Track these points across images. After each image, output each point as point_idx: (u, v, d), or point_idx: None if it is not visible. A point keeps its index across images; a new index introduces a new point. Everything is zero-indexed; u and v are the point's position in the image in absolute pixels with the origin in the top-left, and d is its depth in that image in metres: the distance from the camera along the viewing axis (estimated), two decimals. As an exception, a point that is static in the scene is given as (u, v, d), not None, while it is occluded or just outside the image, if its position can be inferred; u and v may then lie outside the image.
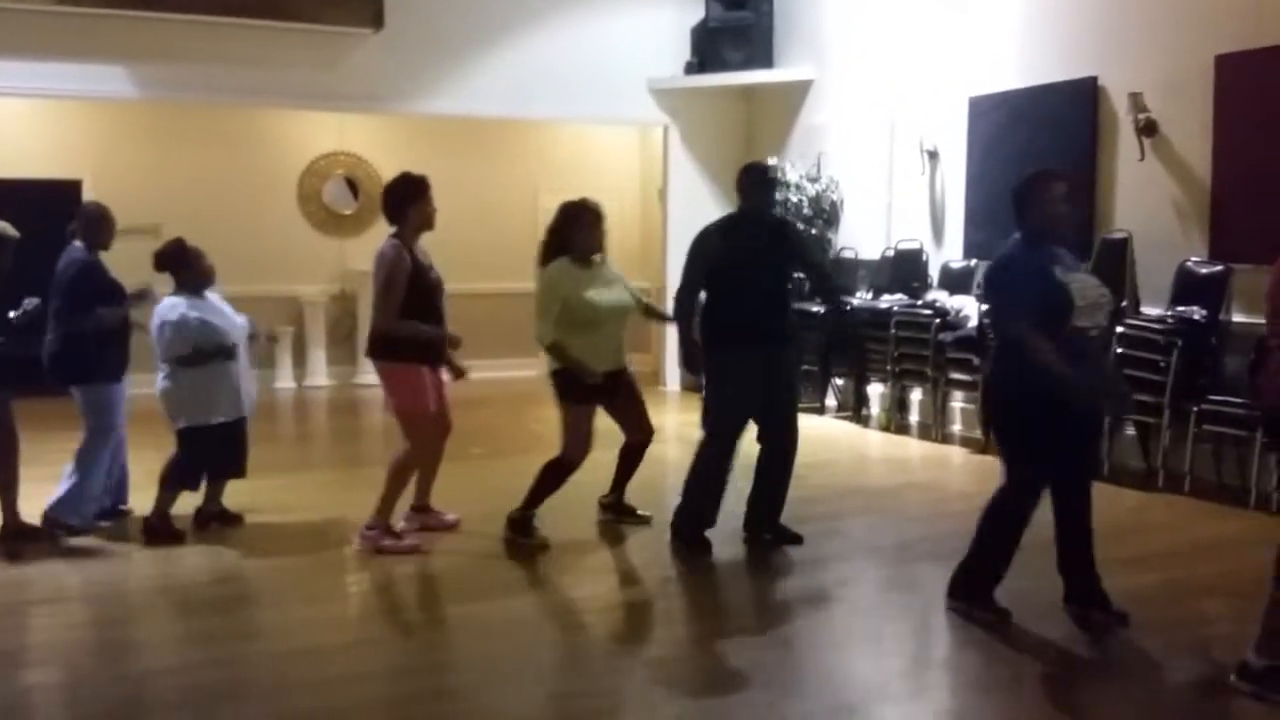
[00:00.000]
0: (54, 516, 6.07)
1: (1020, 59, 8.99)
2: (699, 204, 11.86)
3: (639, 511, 6.43)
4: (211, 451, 6.16)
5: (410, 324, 5.75)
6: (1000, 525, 4.80)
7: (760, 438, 5.94)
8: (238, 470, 6.30)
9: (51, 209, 11.20)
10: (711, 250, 5.84)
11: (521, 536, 6.01)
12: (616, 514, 6.43)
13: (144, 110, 11.63)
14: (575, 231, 5.89)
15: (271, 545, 6.09)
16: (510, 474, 6.59)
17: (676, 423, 10.66)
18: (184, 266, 6.18)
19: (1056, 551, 4.87)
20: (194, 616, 5.16)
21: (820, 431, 9.69)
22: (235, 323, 6.29)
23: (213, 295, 6.30)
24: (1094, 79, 8.33)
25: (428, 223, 5.90)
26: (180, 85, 10.42)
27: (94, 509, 6.23)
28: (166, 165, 11.98)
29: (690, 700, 4.18)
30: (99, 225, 6.22)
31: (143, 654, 4.74)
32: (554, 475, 5.98)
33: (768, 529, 6.05)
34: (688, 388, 12.08)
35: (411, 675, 4.42)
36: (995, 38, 9.25)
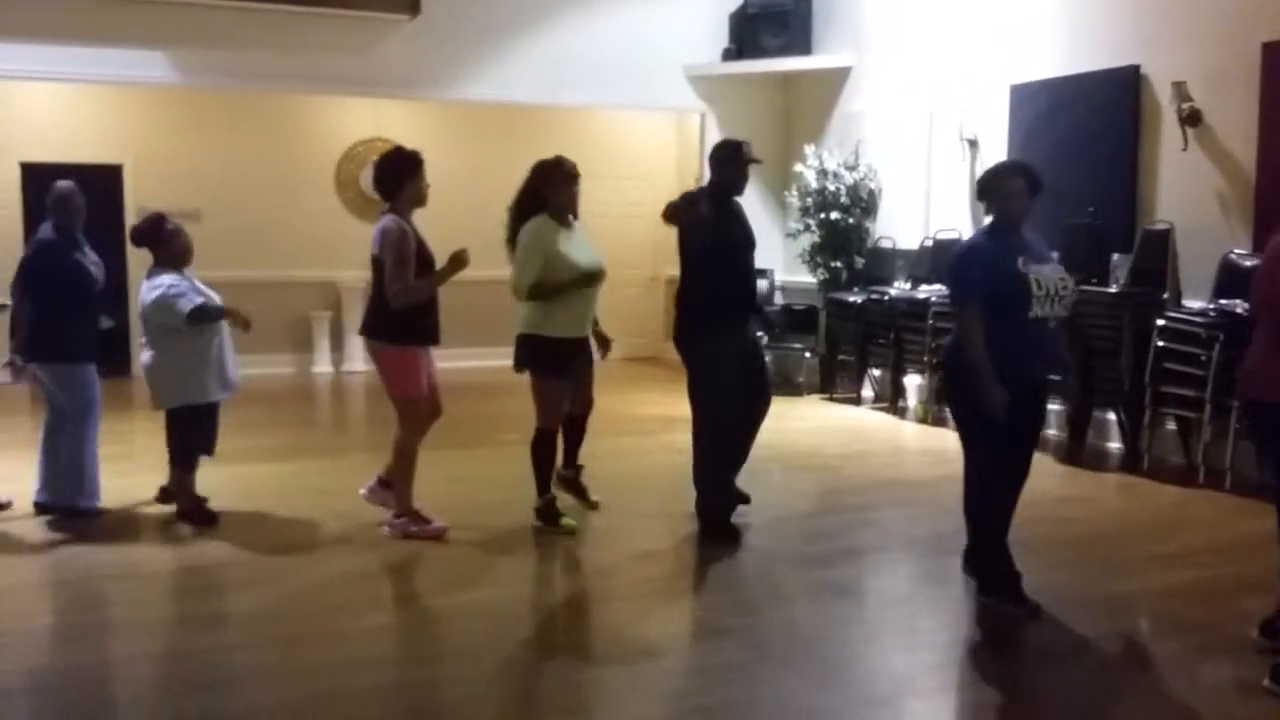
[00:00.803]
0: (42, 503, 6.22)
1: (1062, 46, 8.87)
2: (735, 191, 11.83)
3: (591, 496, 6.45)
4: (197, 430, 6.25)
5: (423, 281, 5.72)
6: (989, 510, 4.94)
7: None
8: (208, 449, 6.38)
9: (93, 193, 11.39)
10: (702, 227, 5.76)
11: (550, 524, 6.03)
12: (570, 489, 6.45)
13: (184, 96, 11.72)
14: (549, 190, 5.91)
15: (302, 530, 6.13)
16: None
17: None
18: (160, 242, 6.19)
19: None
20: (220, 599, 5.20)
21: (856, 423, 9.65)
22: (215, 303, 6.33)
23: (191, 276, 6.32)
24: (1136, 67, 8.20)
25: (420, 199, 5.88)
26: (219, 71, 10.48)
27: (88, 490, 6.26)
28: (206, 151, 12.09)
29: (717, 691, 4.16)
30: (61, 206, 6.18)
31: (183, 635, 4.78)
32: (540, 450, 6.04)
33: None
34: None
35: (427, 663, 4.44)
36: (1037, 25, 9.13)
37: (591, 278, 5.92)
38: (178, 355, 6.10)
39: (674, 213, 5.81)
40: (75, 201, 6.20)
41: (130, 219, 11.95)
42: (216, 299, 6.33)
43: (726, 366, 5.81)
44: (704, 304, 5.82)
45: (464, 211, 11.95)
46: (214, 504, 6.37)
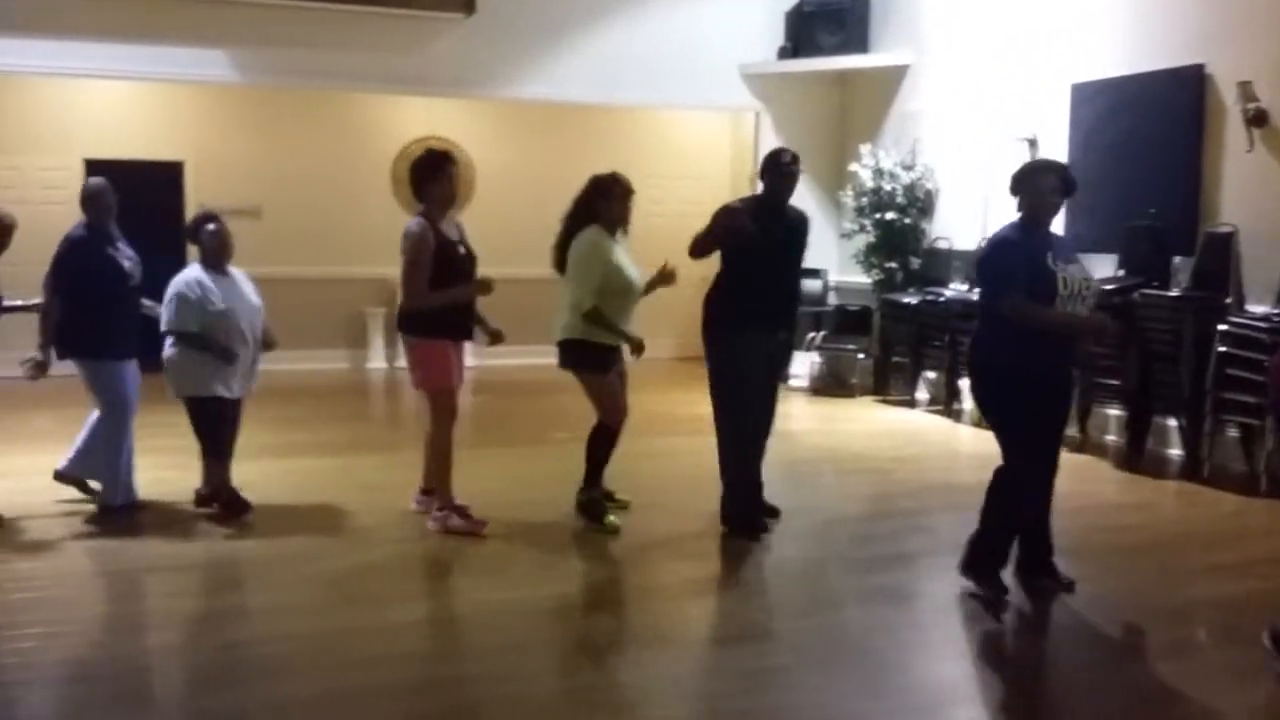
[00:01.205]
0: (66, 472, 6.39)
1: (1125, 45, 8.71)
2: (790, 191, 11.76)
3: (617, 495, 6.42)
4: (218, 426, 6.24)
5: (439, 293, 5.81)
6: (1007, 502, 4.95)
7: None
8: (228, 450, 6.35)
9: (154, 189, 11.57)
10: (743, 227, 5.81)
11: (593, 522, 6.04)
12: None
13: (243, 94, 11.87)
14: (604, 203, 5.98)
15: (350, 524, 6.16)
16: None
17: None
18: (196, 239, 6.23)
19: None
20: (261, 592, 5.22)
21: (910, 425, 9.54)
22: (253, 304, 6.31)
23: (238, 273, 6.34)
24: (1201, 67, 8.03)
25: (447, 199, 5.93)
26: (278, 70, 10.60)
27: (123, 487, 6.30)
28: (264, 148, 12.23)
29: (758, 695, 4.12)
30: (92, 202, 6.22)
31: (224, 627, 4.81)
32: (599, 443, 6.08)
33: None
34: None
35: (464, 660, 4.44)
36: (1099, 22, 8.97)
37: (639, 293, 6.09)
38: (188, 348, 6.12)
39: (710, 224, 5.86)
40: (106, 198, 6.23)
41: (190, 215, 12.15)
42: (256, 302, 6.33)
43: (749, 366, 5.85)
44: (729, 302, 5.89)
45: (517, 210, 12.03)
46: (263, 497, 6.42)
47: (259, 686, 4.13)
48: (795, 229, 5.99)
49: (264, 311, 6.40)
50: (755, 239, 5.70)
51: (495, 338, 6.16)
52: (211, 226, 6.20)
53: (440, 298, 5.79)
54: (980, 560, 5.03)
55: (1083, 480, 7.45)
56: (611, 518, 6.07)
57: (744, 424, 5.92)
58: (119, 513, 6.20)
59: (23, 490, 6.53)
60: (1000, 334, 4.84)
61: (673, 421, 9.21)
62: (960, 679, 4.35)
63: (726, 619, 5.06)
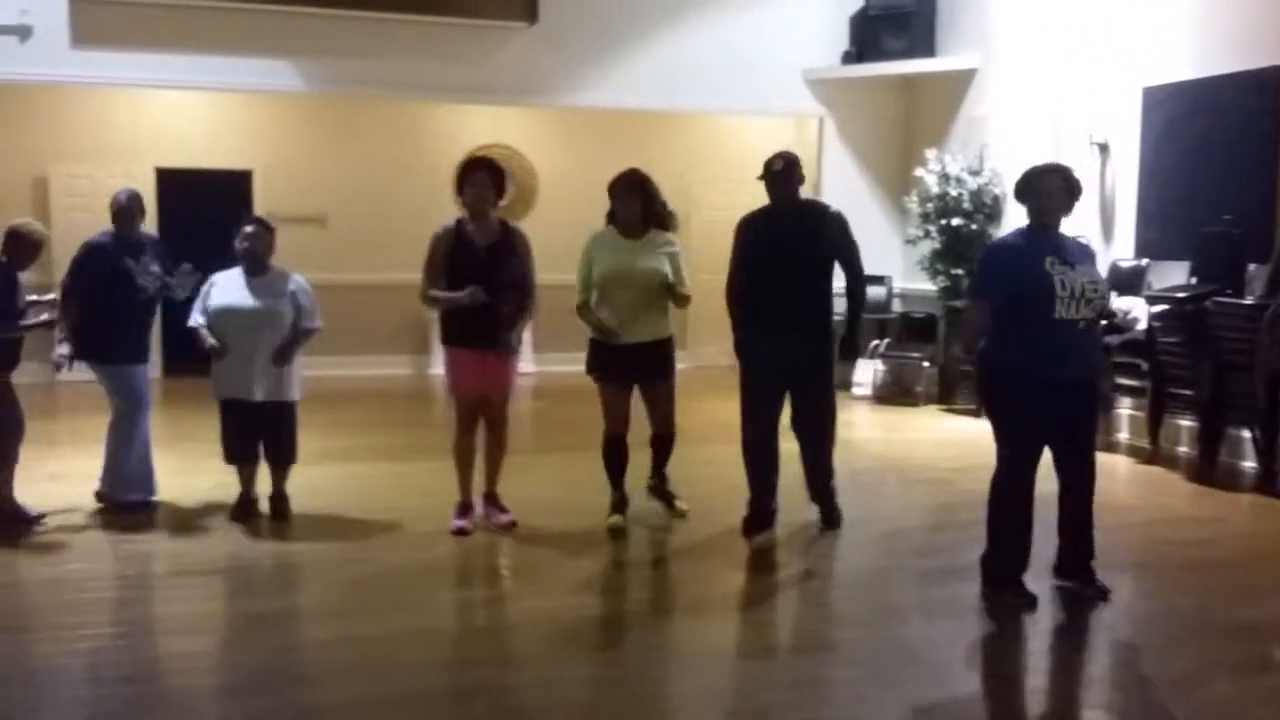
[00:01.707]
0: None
1: (1198, 47, 8.50)
2: (854, 197, 11.64)
3: (677, 503, 6.42)
4: (226, 428, 6.27)
5: (430, 296, 5.96)
6: (996, 507, 4.96)
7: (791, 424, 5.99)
8: (230, 455, 6.34)
9: (223, 198, 11.74)
10: (740, 240, 5.92)
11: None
12: (657, 496, 6.49)
13: (310, 104, 12.00)
14: (613, 201, 6.03)
15: (402, 528, 6.17)
16: (646, 467, 6.51)
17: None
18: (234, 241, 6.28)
19: (1057, 523, 5.05)
20: (309, 594, 5.25)
21: (975, 435, 9.34)
22: (259, 308, 6.14)
23: (277, 277, 6.23)
24: (1277, 68, 7.80)
25: (470, 205, 6.01)
26: (343, 80, 10.71)
27: (136, 484, 6.46)
28: (330, 157, 12.37)
29: (814, 708, 4.06)
30: (119, 213, 6.39)
31: (272, 630, 4.84)
32: (604, 452, 6.14)
33: (815, 500, 6.17)
34: (837, 385, 11.88)
35: (510, 666, 4.42)
36: (1171, 24, 8.77)
37: (618, 280, 5.95)
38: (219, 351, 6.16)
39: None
40: (131, 208, 6.41)
41: (258, 223, 12.33)
42: (275, 305, 6.17)
43: (756, 370, 5.86)
44: (739, 307, 5.91)
45: (580, 216, 11.98)
46: (321, 501, 6.50)
47: (306, 690, 4.16)
48: (806, 229, 5.82)
49: (309, 318, 6.26)
50: (753, 248, 5.78)
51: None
52: (248, 229, 6.22)
53: (431, 301, 5.99)
54: (990, 571, 5.02)
55: (1154, 493, 7.28)
56: (615, 518, 6.10)
57: (751, 427, 5.86)
58: (126, 509, 6.33)
59: (79, 494, 6.59)
60: (994, 335, 4.90)
61: (733, 429, 9.11)
62: (1021, 695, 4.25)
63: (784, 629, 5.00)
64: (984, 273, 5.02)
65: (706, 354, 13.02)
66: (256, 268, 6.21)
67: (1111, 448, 8.60)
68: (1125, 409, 8.83)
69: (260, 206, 12.18)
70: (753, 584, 5.53)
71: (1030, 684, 4.37)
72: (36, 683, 4.19)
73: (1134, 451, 8.44)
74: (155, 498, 6.54)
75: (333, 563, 5.65)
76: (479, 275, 5.84)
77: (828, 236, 5.82)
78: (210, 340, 6.09)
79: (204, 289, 6.24)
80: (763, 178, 5.88)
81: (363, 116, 12.27)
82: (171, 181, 11.73)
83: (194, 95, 11.53)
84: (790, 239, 5.77)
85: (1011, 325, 4.81)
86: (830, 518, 6.16)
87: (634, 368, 6.02)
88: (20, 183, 11.46)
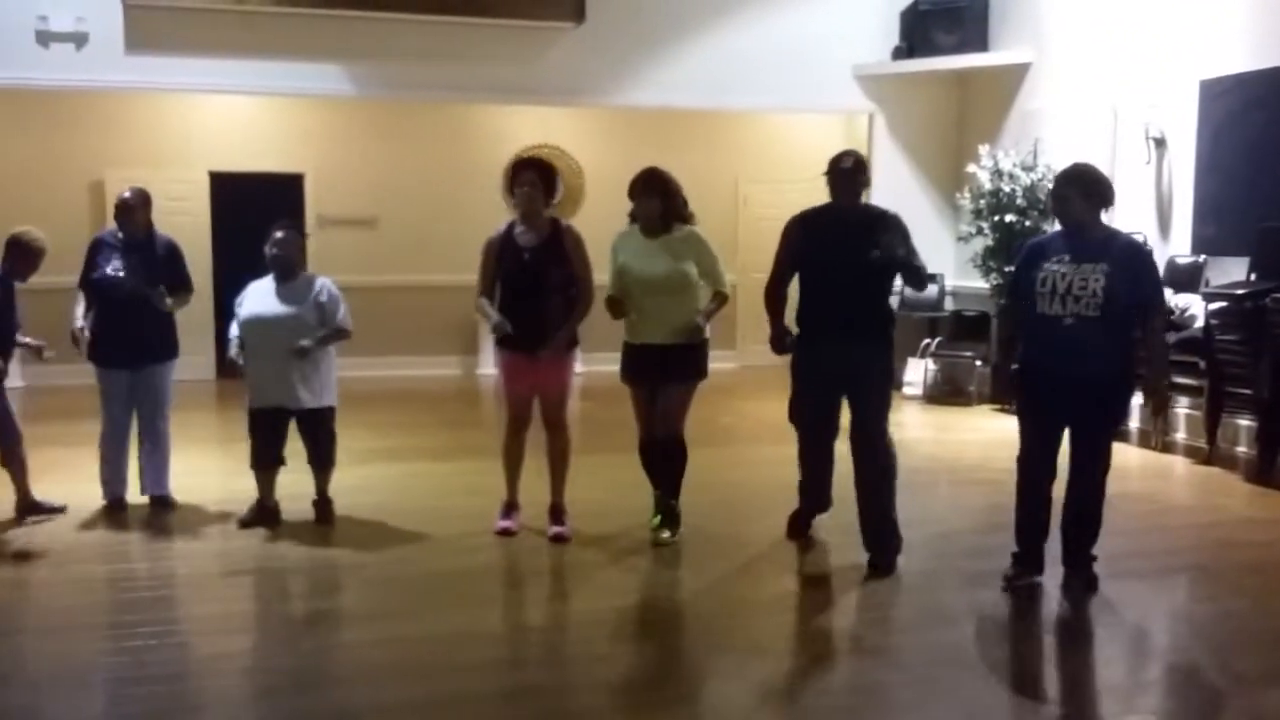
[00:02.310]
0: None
1: (1257, 38, 8.32)
2: (905, 194, 11.53)
3: (664, 535, 5.97)
4: (254, 435, 6.21)
5: (479, 302, 5.97)
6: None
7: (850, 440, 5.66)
8: (254, 460, 6.26)
9: (276, 201, 11.85)
10: (791, 240, 5.69)
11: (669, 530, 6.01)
12: (659, 509, 6.21)
13: (361, 107, 12.08)
14: (633, 201, 5.92)
15: (448, 528, 6.16)
16: (693, 467, 6.47)
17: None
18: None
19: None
20: (354, 594, 5.25)
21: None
22: (284, 313, 6.06)
23: (306, 283, 6.17)
24: (1342, 58, 7.63)
25: (518, 205, 5.96)
26: (393, 83, 10.77)
27: (109, 483, 6.48)
28: (381, 159, 12.45)
29: (858, 713, 4.01)
30: (116, 211, 6.42)
31: (319, 629, 4.86)
32: (641, 459, 6.06)
33: (867, 547, 5.59)
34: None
35: (553, 668, 4.40)
36: (1229, 15, 8.59)
37: (638, 281, 5.81)
38: (246, 356, 6.15)
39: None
40: (130, 204, 6.36)
41: (311, 227, 12.42)
42: (301, 313, 6.10)
43: (801, 380, 5.71)
44: (798, 310, 5.69)
45: (628, 216, 12.01)
46: (368, 500, 6.53)
47: (349, 691, 4.17)
48: (862, 233, 5.43)
49: (333, 320, 6.17)
50: (808, 249, 5.55)
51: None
52: (278, 234, 6.17)
53: (478, 309, 6.03)
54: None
55: (1211, 493, 7.13)
56: (657, 520, 5.99)
57: (800, 433, 5.78)
58: (113, 506, 6.43)
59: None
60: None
61: (783, 429, 9.03)
62: (1070, 701, 4.16)
63: (830, 632, 4.93)
64: (1013, 270, 5.33)
65: (756, 353, 12.98)
66: (286, 274, 6.16)
67: (1168, 448, 8.45)
68: (1182, 408, 8.65)
69: (311, 209, 12.33)
70: (802, 585, 5.48)
71: (1079, 690, 4.28)
72: (85, 681, 4.24)
73: (1191, 452, 8.28)
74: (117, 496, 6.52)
75: (378, 563, 5.67)
76: (522, 280, 5.83)
77: (890, 241, 5.43)
78: (232, 352, 6.12)
79: (239, 297, 6.23)
80: (828, 174, 5.58)
81: (412, 119, 12.33)
82: (225, 185, 11.86)
83: (246, 99, 11.65)
84: (853, 242, 5.42)
85: (1022, 321, 5.13)
86: (880, 561, 5.56)
87: (657, 370, 5.85)
88: (77, 187, 11.64)
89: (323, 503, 6.34)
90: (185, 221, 11.74)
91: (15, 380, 10.95)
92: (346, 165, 12.38)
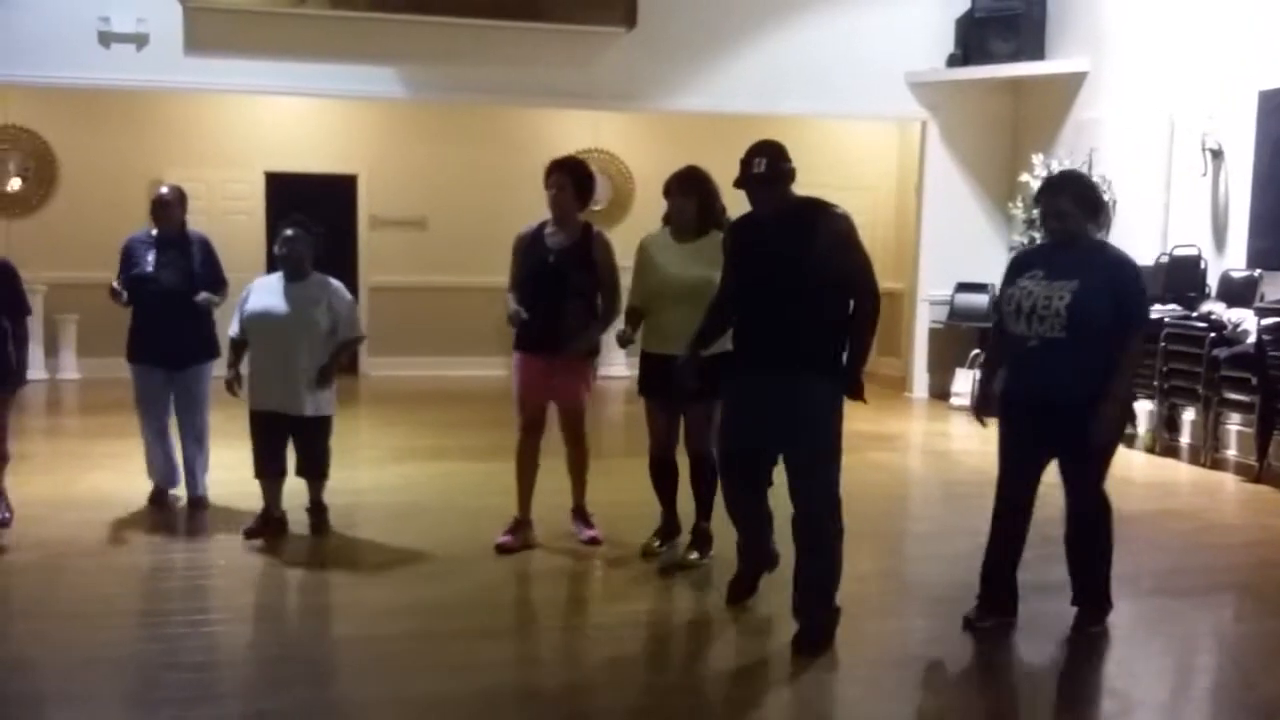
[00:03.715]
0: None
1: (1320, 48, 8.16)
2: (958, 203, 11.46)
3: (691, 556, 5.65)
4: (255, 440, 5.93)
5: (508, 295, 5.80)
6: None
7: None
8: (258, 469, 5.96)
9: (330, 202, 12.00)
10: (727, 250, 4.85)
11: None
12: (690, 532, 5.82)
13: (413, 109, 12.21)
14: (668, 201, 5.62)
15: (485, 529, 6.16)
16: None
17: (922, 431, 10.33)
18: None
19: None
20: (398, 590, 5.25)
21: (1076, 447, 9.12)
22: (314, 319, 5.80)
23: (316, 283, 5.90)
24: (1406, 69, 7.46)
25: (551, 206, 5.76)
26: (445, 86, 10.89)
27: (157, 470, 6.50)
28: (433, 161, 12.57)
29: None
30: (151, 208, 6.42)
31: (346, 622, 4.90)
32: (650, 474, 5.77)
33: (795, 611, 4.62)
34: (935, 395, 11.67)
35: (588, 670, 4.40)
36: (1291, 25, 8.43)
37: (662, 288, 5.47)
38: (249, 357, 5.97)
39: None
40: (168, 201, 6.36)
41: (363, 227, 12.58)
42: (306, 313, 5.82)
43: (725, 404, 4.78)
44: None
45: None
46: (404, 498, 6.60)
47: (373, 684, 4.19)
48: (795, 242, 4.49)
49: (348, 327, 5.93)
50: (733, 260, 4.72)
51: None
52: (288, 232, 5.87)
53: (507, 301, 5.81)
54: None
55: (1259, 513, 6.99)
56: (654, 541, 5.76)
57: (727, 483, 4.80)
58: (158, 494, 6.47)
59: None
60: None
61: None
62: (1115, 715, 4.12)
63: (871, 641, 4.87)
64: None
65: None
66: (296, 273, 5.88)
67: (1218, 465, 8.30)
68: (1234, 424, 8.49)
69: (364, 210, 12.48)
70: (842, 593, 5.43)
71: (1113, 707, 4.21)
72: (120, 664, 4.33)
73: (1241, 469, 8.12)
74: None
75: (407, 559, 5.69)
76: (543, 281, 5.68)
77: (820, 249, 4.45)
78: (233, 362, 5.91)
79: (242, 294, 5.97)
80: (740, 184, 4.69)
81: (464, 122, 12.43)
82: (280, 185, 12.04)
83: (302, 101, 11.81)
84: (773, 256, 4.51)
85: (1002, 342, 4.76)
86: (803, 640, 4.49)
87: (664, 381, 5.34)
88: (138, 186, 11.81)
89: (317, 510, 6.01)
90: (241, 221, 11.98)
91: (70, 373, 11.37)
92: (399, 167, 12.51)
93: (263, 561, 5.67)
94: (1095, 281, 4.44)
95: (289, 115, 12.14)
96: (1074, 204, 4.55)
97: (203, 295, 6.31)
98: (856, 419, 8.47)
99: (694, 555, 5.64)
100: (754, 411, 4.56)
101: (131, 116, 11.73)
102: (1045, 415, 4.56)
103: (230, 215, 11.93)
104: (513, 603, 5.29)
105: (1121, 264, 4.60)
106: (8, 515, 5.95)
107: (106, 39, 10.07)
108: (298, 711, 3.98)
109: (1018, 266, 4.73)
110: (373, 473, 7.51)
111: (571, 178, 5.76)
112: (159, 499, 6.51)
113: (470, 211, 12.60)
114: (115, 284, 6.28)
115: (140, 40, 10.12)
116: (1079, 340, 4.42)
